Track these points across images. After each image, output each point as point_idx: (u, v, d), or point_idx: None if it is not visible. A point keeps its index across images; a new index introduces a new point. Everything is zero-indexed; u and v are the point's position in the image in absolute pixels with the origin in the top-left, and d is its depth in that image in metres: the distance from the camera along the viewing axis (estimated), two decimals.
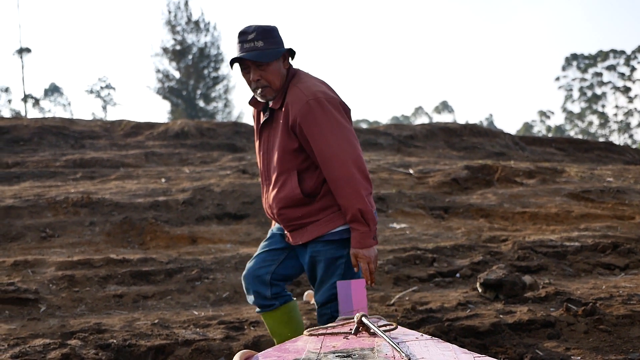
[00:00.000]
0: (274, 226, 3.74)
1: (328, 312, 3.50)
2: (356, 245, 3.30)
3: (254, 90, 3.33)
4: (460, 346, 4.62)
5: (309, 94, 3.25)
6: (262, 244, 3.74)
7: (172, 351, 4.78)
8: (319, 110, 3.23)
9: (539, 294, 5.90)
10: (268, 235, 3.75)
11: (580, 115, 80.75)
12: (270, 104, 3.36)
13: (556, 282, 6.47)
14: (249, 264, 3.73)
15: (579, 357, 4.45)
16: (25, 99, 59.55)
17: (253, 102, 3.51)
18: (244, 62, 3.25)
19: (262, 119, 3.46)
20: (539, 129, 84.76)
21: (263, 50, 3.21)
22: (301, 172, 3.35)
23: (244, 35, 3.23)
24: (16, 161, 13.50)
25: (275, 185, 3.39)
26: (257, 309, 3.75)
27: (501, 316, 5.27)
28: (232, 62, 3.27)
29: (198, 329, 5.22)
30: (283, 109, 3.30)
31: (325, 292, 3.49)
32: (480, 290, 6.09)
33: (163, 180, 11.75)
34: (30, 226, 8.57)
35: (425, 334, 4.79)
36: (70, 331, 5.26)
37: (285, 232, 3.53)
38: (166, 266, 7.05)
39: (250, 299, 3.72)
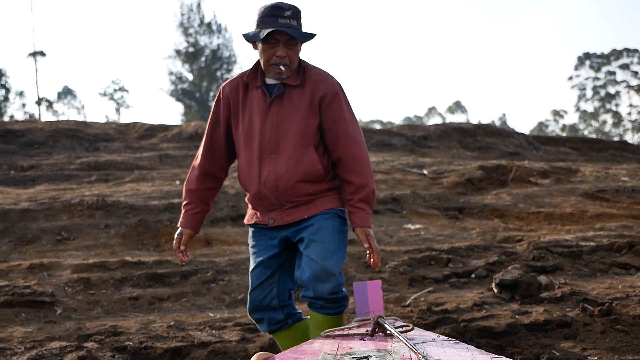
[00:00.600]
0: (252, 221, 3.56)
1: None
2: (365, 224, 3.36)
3: (273, 66, 3.27)
4: (477, 347, 4.64)
5: (334, 78, 3.43)
6: (256, 259, 3.57)
7: (188, 353, 4.79)
8: (343, 94, 3.44)
9: (554, 294, 5.89)
10: (253, 246, 3.60)
11: (594, 115, 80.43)
12: (289, 80, 3.33)
13: (572, 282, 6.46)
14: (251, 295, 3.58)
15: (596, 358, 4.43)
16: (39, 102, 59.87)
17: (250, 77, 3.43)
18: (273, 37, 3.22)
19: (265, 94, 3.37)
20: (552, 129, 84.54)
21: (298, 29, 3.25)
22: (316, 150, 3.39)
23: (279, 10, 3.21)
24: (31, 164, 13.59)
25: (291, 159, 3.34)
26: (270, 332, 3.68)
27: (517, 317, 5.26)
28: (267, 33, 3.19)
29: (214, 331, 5.23)
30: (306, 87, 3.34)
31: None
32: (495, 290, 6.08)
33: (177, 182, 11.78)
34: (46, 229, 8.59)
35: (441, 334, 4.80)
36: (87, 334, 5.28)
37: (280, 211, 3.42)
38: (181, 268, 7.07)
39: (263, 327, 3.63)
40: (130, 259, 7.34)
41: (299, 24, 3.27)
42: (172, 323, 5.53)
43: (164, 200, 9.82)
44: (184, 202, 3.57)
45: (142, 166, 13.82)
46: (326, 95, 3.35)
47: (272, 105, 3.35)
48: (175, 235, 3.57)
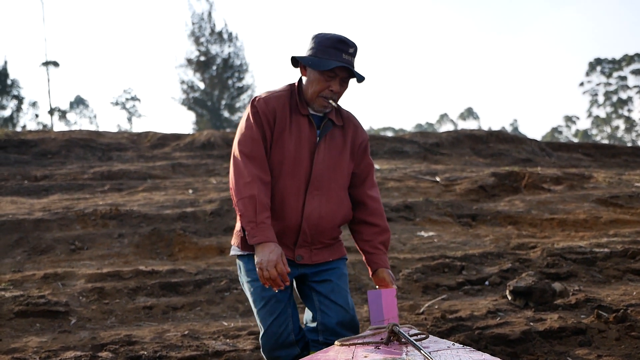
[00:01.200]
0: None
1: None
2: (387, 265, 3.45)
3: (322, 98, 3.17)
4: (491, 354, 4.64)
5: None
6: (263, 293, 3.30)
7: None
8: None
9: (569, 301, 5.88)
10: (257, 279, 3.28)
11: (607, 120, 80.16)
12: (332, 117, 3.29)
13: (586, 288, 6.44)
14: (267, 334, 3.30)
15: None
16: (51, 112, 60.15)
17: (294, 101, 3.27)
18: (334, 70, 3.13)
19: (313, 126, 3.25)
20: (566, 135, 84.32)
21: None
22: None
23: (344, 46, 3.13)
24: (44, 174, 13.65)
25: (335, 201, 3.31)
26: None
27: (531, 324, 5.26)
28: (333, 66, 3.09)
29: (228, 340, 5.25)
30: (347, 129, 3.34)
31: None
32: (509, 298, 6.08)
33: (190, 191, 11.82)
34: (60, 239, 8.62)
35: (456, 342, 4.81)
36: (101, 343, 5.29)
37: (309, 249, 3.31)
38: (195, 277, 7.07)
39: None
40: (144, 268, 7.35)
41: (354, 62, 3.20)
42: (186, 332, 5.54)
43: (177, 209, 9.85)
44: (258, 213, 3.07)
45: (155, 175, 13.88)
46: (363, 142, 3.40)
47: (321, 141, 3.24)
48: (271, 256, 3.00)
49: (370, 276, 3.47)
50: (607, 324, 5.15)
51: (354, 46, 3.15)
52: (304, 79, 3.25)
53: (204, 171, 14.70)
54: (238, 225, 3.40)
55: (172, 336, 5.44)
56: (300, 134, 3.20)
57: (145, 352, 4.95)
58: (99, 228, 9.09)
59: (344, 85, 3.20)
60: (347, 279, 3.47)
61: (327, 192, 3.26)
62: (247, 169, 3.12)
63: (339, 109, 3.34)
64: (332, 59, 3.08)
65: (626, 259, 7.41)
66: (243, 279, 3.39)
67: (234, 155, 3.22)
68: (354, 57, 3.16)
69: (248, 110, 3.23)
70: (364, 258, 3.50)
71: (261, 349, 3.39)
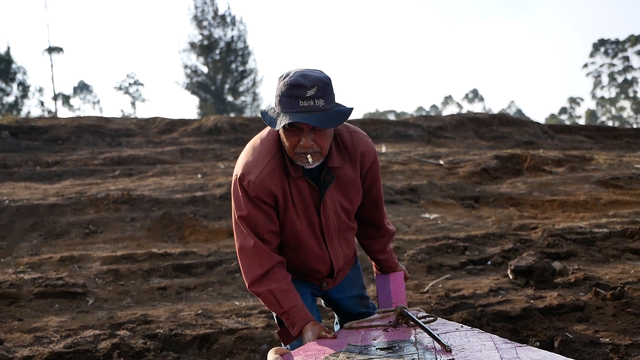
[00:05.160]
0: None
1: None
2: (398, 266, 3.32)
3: (299, 155, 2.67)
4: (492, 331, 4.84)
5: (366, 136, 3.01)
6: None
7: (216, 339, 5.00)
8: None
9: (568, 279, 6.01)
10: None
11: (613, 101, 79.72)
12: (333, 162, 2.83)
13: (585, 267, 6.55)
14: None
15: (608, 339, 4.60)
16: (55, 97, 59.93)
17: (282, 166, 2.81)
18: (295, 125, 2.61)
19: (312, 185, 2.86)
20: (575, 114, 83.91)
21: (326, 111, 2.59)
22: None
23: (300, 90, 2.56)
24: (56, 160, 13.78)
25: (348, 237, 3.10)
26: None
27: (532, 301, 5.41)
28: (285, 124, 2.57)
29: (240, 319, 5.41)
30: (351, 161, 2.90)
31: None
32: (511, 276, 6.22)
33: (199, 175, 11.91)
34: (74, 223, 8.80)
35: (459, 319, 5.01)
36: (118, 322, 5.48)
37: (332, 279, 3.16)
38: (206, 259, 7.25)
39: None
40: (157, 251, 7.53)
41: (328, 100, 2.60)
42: (199, 311, 5.70)
43: (187, 194, 9.97)
44: (282, 302, 2.80)
45: (163, 160, 13.98)
46: (371, 166, 2.97)
47: (325, 197, 2.87)
48: (317, 333, 2.73)
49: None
50: (605, 301, 5.30)
51: (314, 85, 2.56)
52: None
53: (211, 156, 14.77)
54: None
55: (186, 315, 5.61)
56: (304, 200, 2.86)
57: (162, 331, 5.14)
58: (111, 212, 9.25)
59: (320, 134, 2.65)
60: (360, 273, 3.36)
61: (344, 235, 3.04)
62: (257, 257, 2.81)
63: (341, 140, 2.89)
64: (288, 110, 2.58)
65: (625, 238, 7.52)
66: None
67: (238, 239, 2.86)
68: (321, 96, 2.57)
69: (239, 191, 2.82)
70: (374, 266, 3.34)
71: None
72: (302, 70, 2.64)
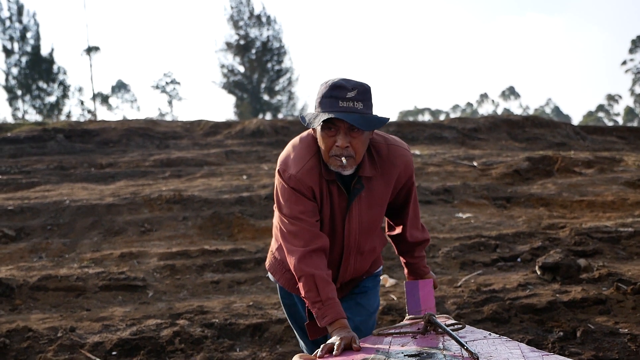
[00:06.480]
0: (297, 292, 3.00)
1: None
2: (429, 271, 3.19)
3: (333, 157, 2.66)
4: (520, 322, 5.20)
5: (405, 148, 2.93)
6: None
7: (267, 328, 5.37)
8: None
9: (592, 275, 6.28)
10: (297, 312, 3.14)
11: None
12: (365, 171, 2.78)
13: (609, 264, 6.76)
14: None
15: (626, 330, 4.94)
16: (94, 97, 60.11)
17: (318, 166, 2.78)
18: (333, 123, 2.61)
19: (342, 192, 2.82)
20: (613, 112, 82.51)
21: (363, 114, 2.59)
22: None
23: (340, 91, 2.58)
24: (109, 162, 14.15)
25: (366, 254, 3.01)
26: None
27: (557, 295, 5.73)
28: (323, 120, 2.59)
29: None
30: (385, 173, 2.84)
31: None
32: (539, 272, 6.51)
33: (244, 177, 12.18)
34: (130, 221, 9.21)
35: (489, 311, 5.38)
36: (177, 313, 5.88)
37: (340, 289, 3.06)
38: (255, 255, 7.61)
39: None
40: (209, 248, 7.92)
41: (367, 105, 2.62)
42: (250, 303, 6.08)
43: (234, 194, 10.28)
44: (321, 290, 2.68)
45: (210, 162, 14.24)
46: (407, 182, 2.94)
47: (353, 205, 2.82)
48: (348, 335, 2.56)
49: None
50: (625, 295, 5.62)
51: (355, 88, 2.59)
52: None
53: (255, 158, 15.02)
54: (273, 244, 3.16)
55: (238, 306, 6.00)
56: (333, 204, 2.83)
57: (217, 320, 5.54)
58: (164, 212, 9.63)
59: (355, 136, 2.63)
60: (375, 297, 3.21)
61: (362, 250, 2.96)
62: (303, 237, 2.76)
63: (376, 149, 2.84)
64: (327, 109, 2.59)
65: None
66: (281, 300, 3.22)
67: (281, 228, 2.83)
68: (361, 100, 2.60)
69: (282, 183, 2.81)
70: (405, 272, 3.24)
71: None
72: (344, 77, 2.67)
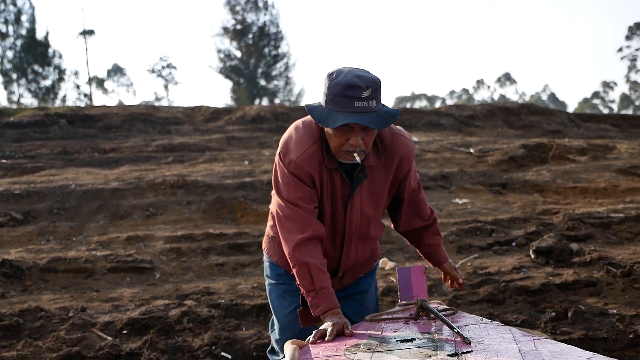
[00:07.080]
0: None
1: None
2: (447, 259, 3.25)
3: (345, 153, 2.68)
4: (514, 303, 5.41)
5: (407, 137, 2.96)
6: (293, 298, 3.11)
7: None
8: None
9: (584, 259, 6.45)
10: (285, 283, 3.12)
11: None
12: (369, 161, 2.81)
13: (600, 249, 6.90)
14: (282, 330, 3.15)
15: (615, 311, 5.14)
16: (90, 81, 59.81)
17: (320, 154, 2.79)
18: (348, 124, 2.59)
19: (345, 180, 2.84)
20: (609, 99, 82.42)
21: (377, 112, 2.60)
22: None
23: (356, 91, 2.56)
24: (112, 147, 14.24)
25: (368, 242, 3.04)
26: None
27: (550, 278, 5.91)
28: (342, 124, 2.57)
29: None
30: (387, 162, 2.87)
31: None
32: (532, 256, 6.67)
33: (246, 162, 12.28)
34: (136, 206, 9.35)
35: (485, 293, 5.58)
36: (184, 294, 6.04)
37: (338, 279, 3.07)
38: (258, 239, 7.72)
39: None
40: (213, 231, 8.07)
41: (379, 102, 2.62)
42: (255, 285, 6.23)
43: (237, 179, 10.40)
44: (315, 279, 2.69)
45: (212, 148, 14.31)
46: (408, 173, 2.95)
47: (355, 193, 2.84)
48: (340, 321, 2.59)
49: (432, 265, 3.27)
50: (615, 278, 5.82)
51: (369, 87, 2.57)
52: None
53: (256, 144, 15.09)
54: (269, 229, 3.21)
55: (243, 288, 6.16)
56: (335, 191, 2.84)
57: (223, 301, 5.70)
58: (168, 196, 9.76)
59: (368, 134, 2.65)
60: (375, 291, 3.30)
61: (364, 238, 2.98)
62: (299, 223, 2.77)
63: (380, 139, 2.86)
64: (342, 110, 2.57)
65: (639, 222, 7.82)
66: (267, 279, 3.23)
67: (278, 212, 2.85)
68: (374, 97, 2.59)
69: (281, 166, 2.82)
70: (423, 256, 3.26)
71: (275, 344, 3.24)
72: (353, 70, 2.64)
